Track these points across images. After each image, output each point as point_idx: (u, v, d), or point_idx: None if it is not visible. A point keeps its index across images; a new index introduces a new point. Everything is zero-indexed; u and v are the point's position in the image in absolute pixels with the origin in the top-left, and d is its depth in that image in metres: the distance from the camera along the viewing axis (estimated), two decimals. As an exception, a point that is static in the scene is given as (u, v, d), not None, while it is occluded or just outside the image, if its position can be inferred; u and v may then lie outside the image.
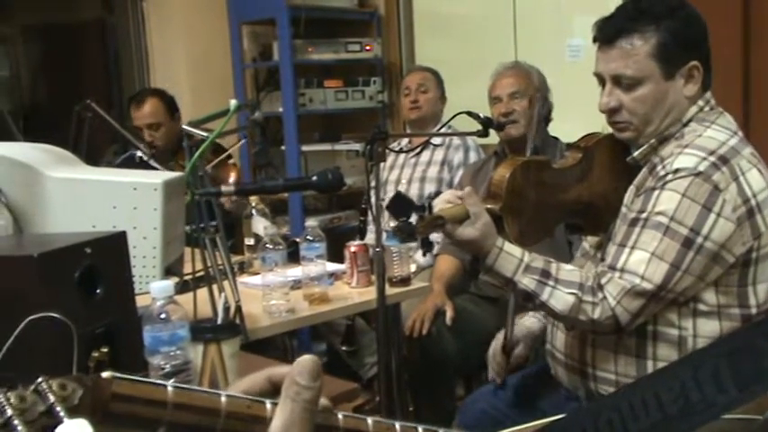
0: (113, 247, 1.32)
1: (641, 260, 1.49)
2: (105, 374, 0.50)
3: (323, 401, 0.55)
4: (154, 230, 1.54)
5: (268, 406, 0.53)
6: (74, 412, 0.46)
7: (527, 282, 1.54)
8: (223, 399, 0.53)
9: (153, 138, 3.36)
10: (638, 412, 0.50)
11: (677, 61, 1.57)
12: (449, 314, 2.63)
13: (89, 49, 4.71)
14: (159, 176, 1.62)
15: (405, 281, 2.32)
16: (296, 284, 2.20)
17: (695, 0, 1.62)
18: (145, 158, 2.85)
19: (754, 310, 1.56)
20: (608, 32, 1.60)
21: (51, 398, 0.46)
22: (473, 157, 3.23)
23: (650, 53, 1.56)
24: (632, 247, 1.51)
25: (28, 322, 0.66)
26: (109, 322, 1.27)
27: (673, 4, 1.59)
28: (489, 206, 1.58)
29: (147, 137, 3.36)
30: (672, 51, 1.56)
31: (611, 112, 1.62)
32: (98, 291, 1.26)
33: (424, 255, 1.89)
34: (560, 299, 1.52)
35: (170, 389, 0.51)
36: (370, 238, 3.06)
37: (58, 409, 0.46)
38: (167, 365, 1.23)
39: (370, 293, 2.21)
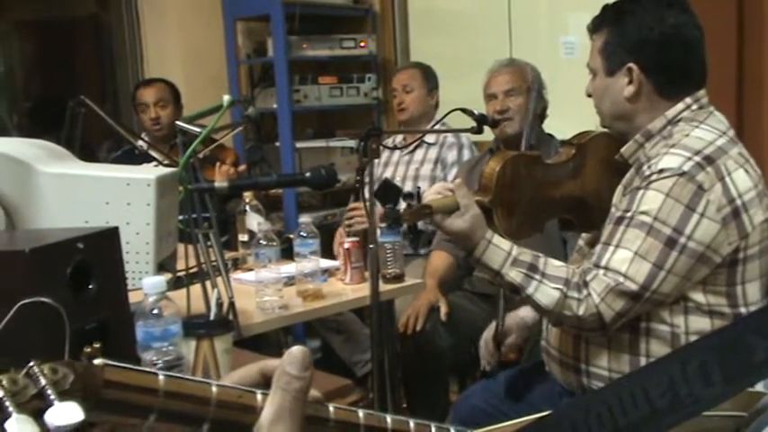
0: (106, 242, 1.31)
1: (624, 259, 1.50)
2: (97, 361, 0.50)
3: (314, 393, 0.55)
4: (147, 226, 1.53)
5: (259, 396, 0.54)
6: (65, 396, 0.47)
7: (514, 275, 1.55)
8: (214, 388, 0.53)
9: (158, 115, 3.40)
10: (626, 407, 0.50)
11: (616, 59, 1.63)
12: (443, 310, 2.63)
13: (83, 45, 4.69)
14: (152, 172, 1.62)
15: (398, 277, 2.32)
16: (289, 281, 2.20)
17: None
18: (145, 148, 2.86)
19: (744, 309, 1.57)
20: (589, 26, 1.70)
21: (43, 381, 0.47)
22: (467, 155, 3.23)
23: (599, 49, 1.65)
24: (616, 246, 1.52)
25: (20, 307, 0.66)
26: (101, 318, 1.26)
27: (637, 8, 1.62)
28: (479, 198, 1.59)
29: (152, 113, 3.39)
30: (613, 50, 1.63)
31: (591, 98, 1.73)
32: (90, 286, 1.25)
33: (411, 243, 1.90)
34: (546, 293, 1.53)
35: (161, 377, 0.52)
36: (363, 234, 3.06)
37: (50, 392, 0.46)
38: (159, 361, 1.23)
39: (363, 290, 2.20)
